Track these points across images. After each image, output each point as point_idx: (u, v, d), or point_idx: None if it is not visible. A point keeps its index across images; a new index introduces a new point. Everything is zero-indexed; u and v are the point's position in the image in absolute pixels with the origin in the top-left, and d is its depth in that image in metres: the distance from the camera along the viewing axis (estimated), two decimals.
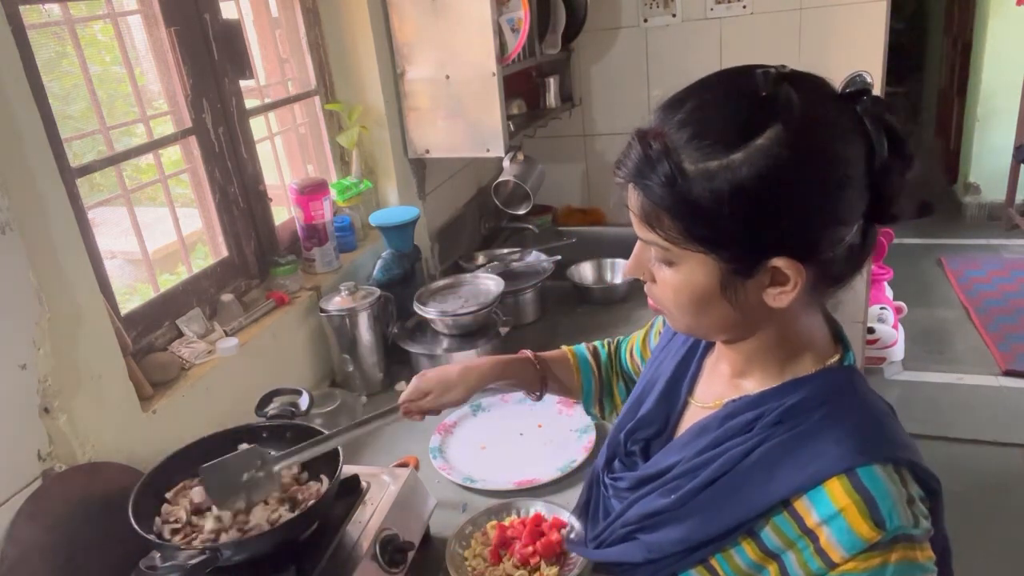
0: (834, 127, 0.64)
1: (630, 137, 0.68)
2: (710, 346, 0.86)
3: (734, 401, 0.75)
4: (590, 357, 1.15)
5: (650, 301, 0.77)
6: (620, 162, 0.69)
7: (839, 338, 0.76)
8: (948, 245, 4.61)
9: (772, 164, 0.61)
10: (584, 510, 0.92)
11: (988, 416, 2.98)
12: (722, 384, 0.80)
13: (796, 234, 0.64)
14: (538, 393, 1.11)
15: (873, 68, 2.33)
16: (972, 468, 2.67)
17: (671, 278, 0.70)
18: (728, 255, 0.65)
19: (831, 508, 0.63)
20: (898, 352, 3.34)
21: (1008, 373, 3.22)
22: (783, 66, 0.66)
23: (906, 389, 3.21)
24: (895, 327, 3.30)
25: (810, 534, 0.64)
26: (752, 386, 0.76)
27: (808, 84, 0.65)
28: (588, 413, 1.18)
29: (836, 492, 0.63)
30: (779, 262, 0.64)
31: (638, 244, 0.74)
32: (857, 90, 0.66)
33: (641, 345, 1.09)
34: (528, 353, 1.12)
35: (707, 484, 0.71)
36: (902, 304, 3.41)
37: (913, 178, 0.66)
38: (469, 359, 1.07)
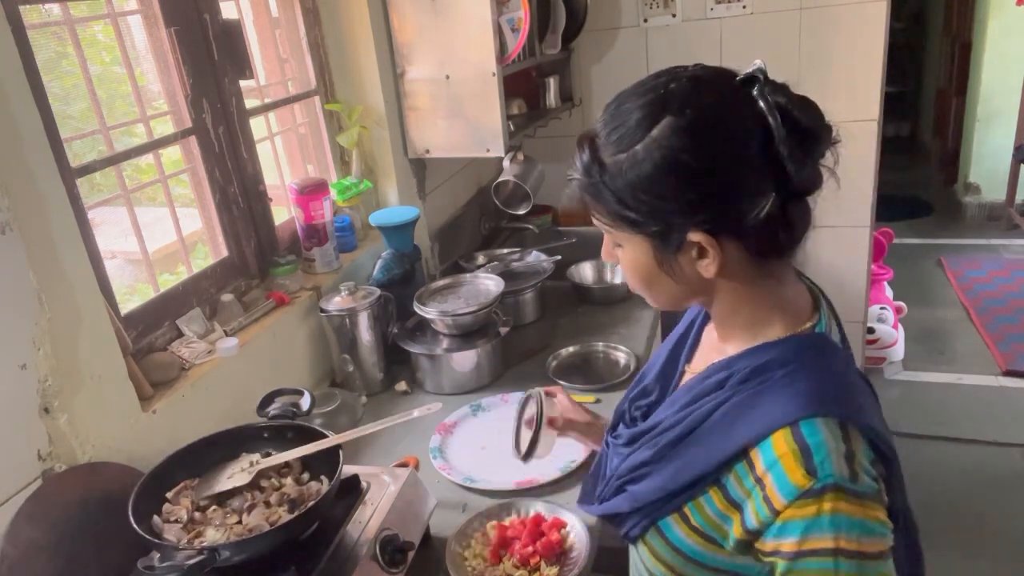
0: (724, 113, 0.70)
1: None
2: (709, 317, 0.90)
3: (714, 364, 0.80)
4: None
5: None
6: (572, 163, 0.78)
7: (818, 307, 0.80)
8: (948, 245, 4.61)
9: (667, 152, 0.69)
10: (595, 473, 0.98)
11: (988, 416, 2.97)
12: (712, 350, 0.86)
13: (702, 210, 0.70)
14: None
15: (873, 68, 2.34)
16: (972, 468, 2.66)
17: (622, 258, 0.79)
18: (650, 233, 0.73)
19: (772, 456, 0.68)
20: (898, 352, 3.34)
21: (1008, 373, 3.21)
22: (697, 64, 0.75)
23: (906, 389, 3.21)
24: (895, 327, 3.30)
25: (760, 482, 0.69)
26: (732, 350, 0.80)
27: (707, 78, 0.73)
28: None
29: (778, 442, 0.68)
30: (695, 236, 0.71)
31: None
32: (749, 76, 0.72)
33: None
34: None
35: (682, 437, 0.77)
36: (902, 304, 3.41)
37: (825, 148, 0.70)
38: None
